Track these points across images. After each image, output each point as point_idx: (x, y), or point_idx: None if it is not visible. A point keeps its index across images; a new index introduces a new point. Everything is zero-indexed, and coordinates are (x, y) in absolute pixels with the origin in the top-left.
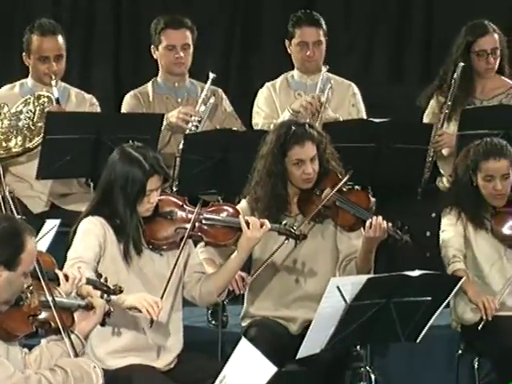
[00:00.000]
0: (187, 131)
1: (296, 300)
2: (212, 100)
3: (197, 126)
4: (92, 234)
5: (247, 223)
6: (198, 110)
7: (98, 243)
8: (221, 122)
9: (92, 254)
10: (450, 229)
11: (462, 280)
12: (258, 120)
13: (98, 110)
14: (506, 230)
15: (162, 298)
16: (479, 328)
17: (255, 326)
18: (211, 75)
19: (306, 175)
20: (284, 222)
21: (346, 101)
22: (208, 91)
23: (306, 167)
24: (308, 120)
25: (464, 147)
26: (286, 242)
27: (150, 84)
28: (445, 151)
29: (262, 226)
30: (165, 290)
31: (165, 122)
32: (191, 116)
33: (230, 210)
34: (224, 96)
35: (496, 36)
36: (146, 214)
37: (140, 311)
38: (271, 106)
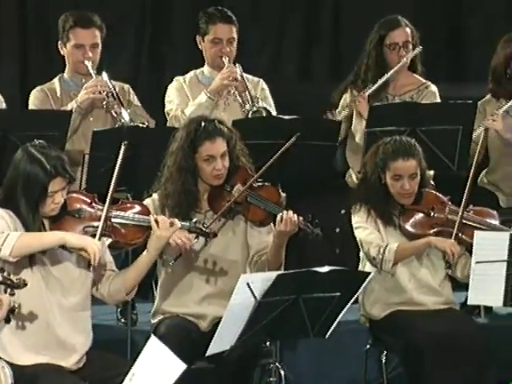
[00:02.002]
0: (104, 106)
1: (206, 297)
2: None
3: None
4: None
5: (156, 222)
6: (104, 81)
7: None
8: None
9: None
10: (365, 225)
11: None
12: (172, 106)
13: (4, 106)
14: (412, 228)
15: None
16: (447, 271)
17: (165, 323)
18: (104, 74)
19: (216, 171)
20: (194, 220)
21: (257, 95)
22: (116, 87)
23: (217, 163)
24: (239, 99)
25: (372, 144)
26: (196, 240)
27: (56, 80)
28: (358, 138)
29: (171, 224)
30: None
31: (74, 106)
32: (99, 87)
33: (139, 207)
34: (132, 91)
35: (408, 30)
36: (52, 213)
37: (88, 253)
38: (183, 96)
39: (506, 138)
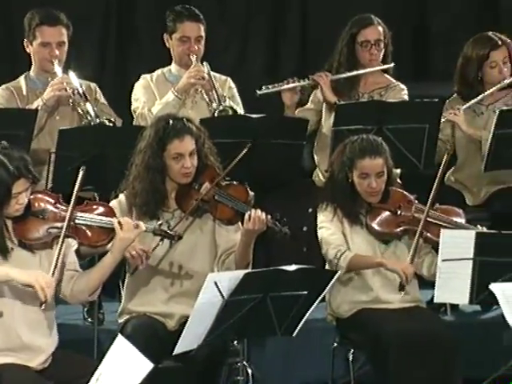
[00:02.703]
0: (70, 104)
1: (173, 296)
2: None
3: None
4: None
5: (120, 224)
6: (70, 78)
7: None
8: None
9: None
10: (328, 225)
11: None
12: (138, 104)
13: None
14: (379, 226)
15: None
16: (401, 292)
17: (132, 322)
18: (70, 72)
19: (184, 169)
20: (159, 223)
21: (224, 93)
22: (82, 85)
23: (185, 161)
24: (206, 97)
25: (339, 142)
26: (161, 242)
27: (22, 78)
28: (325, 130)
29: (136, 226)
30: None
31: (40, 104)
32: (65, 84)
33: (104, 209)
34: (98, 90)
35: (380, 28)
36: (16, 214)
37: (34, 288)
38: (150, 94)
39: (469, 133)
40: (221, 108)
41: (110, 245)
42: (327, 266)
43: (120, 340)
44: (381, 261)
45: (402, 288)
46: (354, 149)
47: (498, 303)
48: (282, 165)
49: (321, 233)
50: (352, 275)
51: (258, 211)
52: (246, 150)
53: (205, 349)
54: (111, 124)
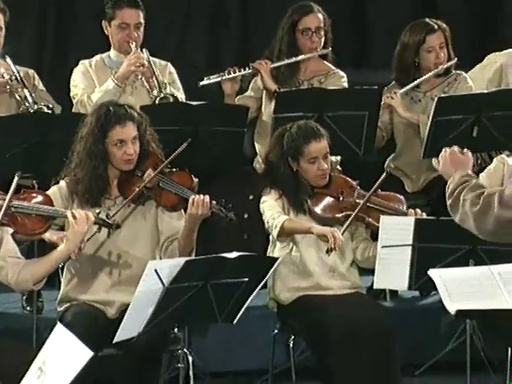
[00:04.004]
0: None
1: (114, 284)
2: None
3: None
4: None
5: (74, 216)
6: (7, 64)
7: None
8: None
9: None
10: (271, 202)
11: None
12: (77, 91)
13: None
14: (322, 211)
15: None
16: (328, 253)
17: (71, 310)
18: (8, 59)
19: (127, 156)
20: (97, 211)
21: (164, 80)
22: (20, 72)
23: (127, 148)
24: (146, 85)
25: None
26: (99, 231)
27: None
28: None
29: (87, 218)
30: None
31: None
32: (3, 70)
33: (42, 197)
34: (36, 76)
35: (320, 16)
36: None
37: None
38: (89, 80)
39: (406, 117)
40: (162, 95)
41: (47, 233)
42: (269, 252)
43: (59, 328)
44: (311, 226)
45: (329, 251)
46: (295, 137)
47: (436, 289)
48: (223, 152)
49: (263, 206)
50: (293, 260)
51: (202, 196)
52: (190, 140)
53: (145, 336)
54: (50, 111)
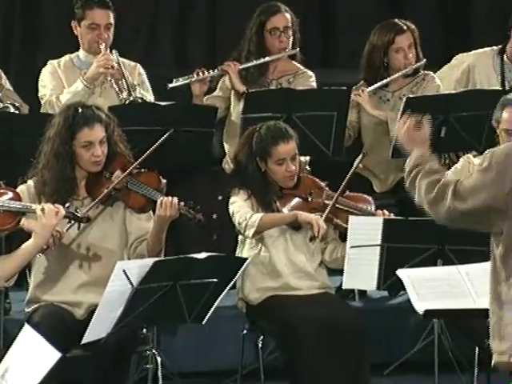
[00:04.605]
0: None
1: (82, 285)
2: None
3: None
4: None
5: (43, 210)
6: None
7: None
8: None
9: None
10: (241, 202)
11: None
12: (45, 91)
13: None
14: (289, 212)
15: None
16: (312, 241)
17: (39, 312)
18: None
19: (94, 158)
20: (67, 205)
21: (134, 81)
22: None
23: (95, 150)
24: (116, 87)
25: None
26: (69, 224)
27: None
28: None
29: (57, 212)
30: None
31: None
32: None
33: (11, 193)
34: (3, 75)
35: (288, 16)
36: None
37: None
38: (57, 80)
39: (374, 115)
40: (131, 98)
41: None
42: (238, 252)
43: (27, 329)
44: (295, 212)
45: (313, 238)
46: (264, 138)
47: (404, 289)
48: (192, 152)
49: (232, 207)
50: (262, 261)
51: (170, 197)
52: (163, 138)
53: (114, 337)
54: (16, 110)
